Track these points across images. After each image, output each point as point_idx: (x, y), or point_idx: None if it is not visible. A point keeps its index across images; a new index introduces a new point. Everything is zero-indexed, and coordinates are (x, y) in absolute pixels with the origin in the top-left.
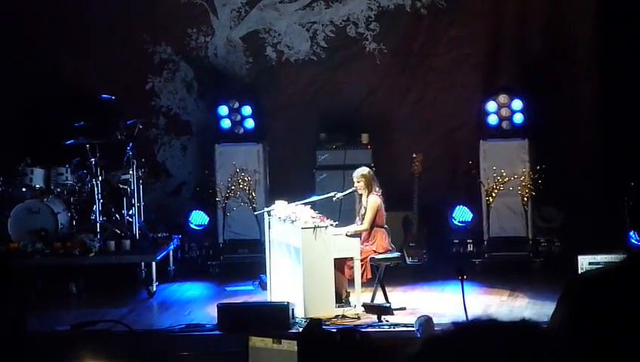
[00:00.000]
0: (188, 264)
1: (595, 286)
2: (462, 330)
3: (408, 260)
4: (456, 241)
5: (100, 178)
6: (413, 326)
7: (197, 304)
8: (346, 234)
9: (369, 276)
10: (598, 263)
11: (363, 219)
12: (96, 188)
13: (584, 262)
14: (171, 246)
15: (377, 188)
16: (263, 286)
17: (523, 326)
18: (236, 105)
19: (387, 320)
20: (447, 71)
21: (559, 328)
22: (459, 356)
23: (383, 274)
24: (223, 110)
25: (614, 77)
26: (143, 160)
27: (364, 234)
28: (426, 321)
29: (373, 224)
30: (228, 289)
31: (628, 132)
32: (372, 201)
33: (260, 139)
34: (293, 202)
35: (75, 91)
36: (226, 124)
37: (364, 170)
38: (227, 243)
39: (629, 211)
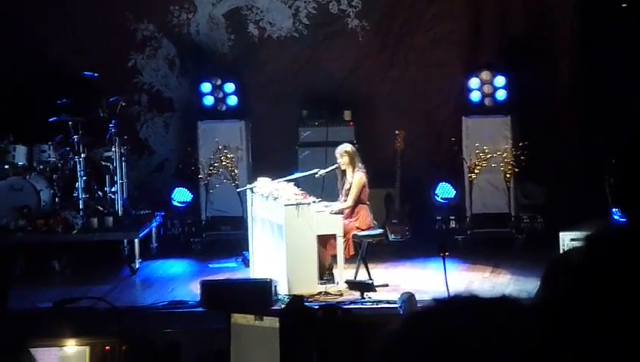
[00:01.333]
0: (171, 241)
1: (579, 267)
2: (442, 306)
3: (391, 237)
4: (439, 218)
5: (82, 155)
6: (395, 303)
7: (180, 281)
8: (331, 212)
9: (352, 252)
10: (579, 240)
11: (347, 195)
12: (78, 166)
13: (565, 238)
14: (154, 224)
15: (360, 165)
16: (246, 263)
17: (504, 302)
18: (219, 82)
19: (370, 297)
20: (429, 48)
21: (540, 306)
22: (440, 332)
23: (365, 251)
24: (206, 87)
25: (595, 53)
26: (126, 137)
27: (347, 211)
28: (408, 298)
29: (357, 200)
30: (211, 266)
31: (609, 108)
32: (358, 178)
33: (243, 116)
34: (276, 179)
35: (58, 68)
36: (208, 101)
37: (347, 146)
38: (210, 220)
39: (610, 188)
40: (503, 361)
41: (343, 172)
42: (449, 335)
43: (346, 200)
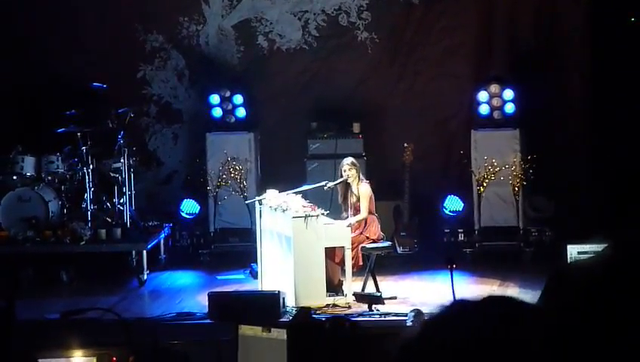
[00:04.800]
0: (179, 252)
1: (579, 278)
2: (452, 312)
3: (399, 249)
4: (447, 231)
5: (91, 166)
6: (403, 316)
7: (188, 292)
8: (348, 225)
9: (360, 264)
10: (587, 252)
11: (355, 208)
12: (87, 177)
13: (573, 251)
14: (162, 235)
15: (362, 176)
16: (254, 275)
17: (512, 305)
18: (227, 93)
19: (378, 309)
20: (438, 60)
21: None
22: (454, 338)
23: (373, 264)
24: (215, 99)
25: (605, 66)
26: (134, 148)
27: (355, 223)
28: (416, 315)
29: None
30: (219, 277)
31: (618, 121)
32: (365, 190)
33: (252, 128)
34: (285, 191)
35: (67, 79)
36: (217, 112)
37: (351, 159)
38: (218, 232)
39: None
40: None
41: (347, 185)
42: (462, 341)
43: (354, 214)
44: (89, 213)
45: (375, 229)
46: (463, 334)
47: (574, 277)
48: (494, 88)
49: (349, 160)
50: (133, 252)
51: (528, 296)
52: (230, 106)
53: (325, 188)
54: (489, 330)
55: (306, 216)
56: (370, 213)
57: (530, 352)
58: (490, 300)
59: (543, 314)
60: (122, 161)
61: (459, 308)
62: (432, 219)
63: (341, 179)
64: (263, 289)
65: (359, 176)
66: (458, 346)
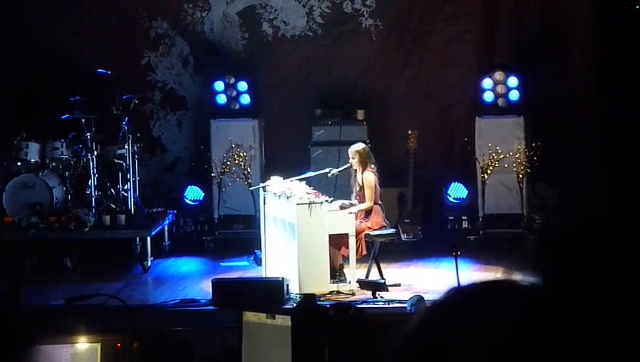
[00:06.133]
0: (183, 239)
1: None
2: (454, 298)
3: (403, 236)
4: (451, 218)
5: (95, 152)
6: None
7: (191, 279)
8: (349, 213)
9: (364, 252)
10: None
11: (359, 196)
12: (91, 163)
13: None
14: (166, 222)
15: (372, 165)
16: (258, 261)
17: (512, 286)
18: (232, 80)
19: (382, 296)
20: (443, 48)
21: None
22: (454, 325)
23: (377, 251)
24: (219, 85)
25: (610, 54)
26: (139, 135)
27: (359, 211)
28: (418, 301)
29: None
30: (223, 264)
31: (623, 109)
32: (367, 178)
33: (256, 114)
34: (289, 178)
35: (71, 66)
36: (221, 99)
37: (359, 146)
38: (222, 218)
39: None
40: (527, 346)
41: (355, 171)
42: (462, 329)
43: (359, 201)
44: (93, 199)
45: (378, 219)
46: (467, 319)
47: (560, 242)
48: (499, 75)
49: (353, 147)
50: (137, 238)
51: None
52: (234, 93)
53: (329, 175)
54: (491, 312)
55: (310, 203)
56: (374, 202)
57: (534, 330)
58: (489, 284)
59: (541, 289)
60: (126, 147)
61: (460, 294)
62: (436, 207)
63: (346, 165)
64: (267, 275)
65: (365, 164)
66: (462, 331)
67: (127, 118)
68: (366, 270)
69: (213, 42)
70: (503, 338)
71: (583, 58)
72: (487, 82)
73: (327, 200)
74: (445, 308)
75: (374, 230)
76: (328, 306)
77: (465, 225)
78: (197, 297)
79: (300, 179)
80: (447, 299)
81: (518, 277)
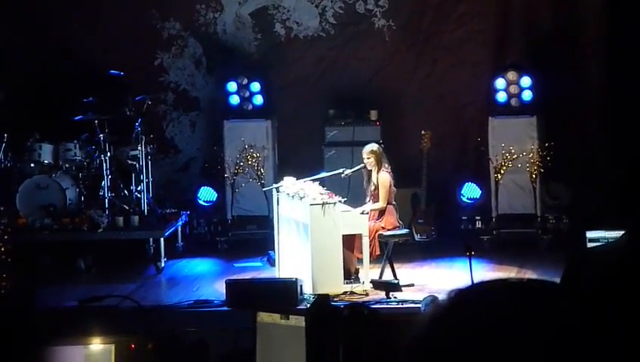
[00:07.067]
0: (196, 240)
1: (594, 261)
2: (465, 298)
3: (417, 237)
4: (465, 218)
5: (108, 154)
6: (419, 305)
7: (205, 280)
8: (362, 213)
9: (377, 252)
10: (606, 239)
11: (373, 195)
12: (104, 164)
13: (592, 238)
14: (180, 222)
15: (387, 165)
16: (271, 262)
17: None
18: (245, 81)
19: (395, 297)
20: (456, 47)
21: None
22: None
23: (391, 251)
24: (232, 86)
25: (623, 53)
26: (152, 136)
27: (372, 211)
28: (432, 301)
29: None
30: (236, 265)
31: (636, 108)
32: (383, 178)
33: (269, 115)
34: (302, 178)
35: (84, 67)
36: (234, 100)
37: (374, 146)
38: (235, 219)
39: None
40: (541, 345)
41: (369, 172)
42: (479, 326)
43: (373, 201)
44: (106, 200)
45: (392, 220)
46: (484, 318)
47: (593, 264)
48: (512, 75)
49: (368, 147)
50: (151, 239)
51: None
52: (247, 94)
53: (343, 175)
54: (509, 312)
55: (323, 204)
56: (388, 203)
57: (551, 335)
58: (509, 283)
59: (565, 296)
60: (140, 148)
61: (476, 293)
62: (450, 207)
63: (359, 166)
64: (281, 276)
65: (380, 164)
66: (477, 330)
67: (140, 119)
68: (379, 270)
69: (225, 43)
70: (513, 336)
71: (596, 57)
72: (500, 82)
73: (340, 201)
74: (453, 309)
75: (388, 230)
76: (342, 306)
77: (478, 225)
78: (211, 298)
79: (314, 180)
80: (454, 300)
81: (531, 277)
